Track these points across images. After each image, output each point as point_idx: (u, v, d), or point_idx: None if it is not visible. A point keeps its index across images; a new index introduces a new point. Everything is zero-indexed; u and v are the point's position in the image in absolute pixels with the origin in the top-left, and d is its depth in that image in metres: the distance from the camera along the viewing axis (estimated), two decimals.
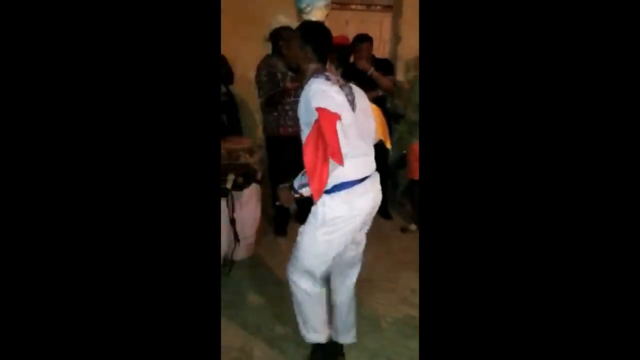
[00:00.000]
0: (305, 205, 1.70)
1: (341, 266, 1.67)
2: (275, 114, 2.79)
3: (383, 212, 3.21)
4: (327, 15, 1.63)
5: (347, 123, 1.36)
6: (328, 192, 1.41)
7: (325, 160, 1.28)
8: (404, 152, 3.17)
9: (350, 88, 1.49)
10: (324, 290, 1.63)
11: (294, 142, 1.79)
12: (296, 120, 1.52)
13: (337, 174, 1.36)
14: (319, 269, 1.54)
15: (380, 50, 3.90)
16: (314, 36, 1.48)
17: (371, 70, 2.86)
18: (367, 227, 1.64)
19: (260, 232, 2.75)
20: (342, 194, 1.41)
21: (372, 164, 1.53)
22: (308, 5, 1.58)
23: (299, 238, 1.53)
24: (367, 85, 2.27)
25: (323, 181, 1.30)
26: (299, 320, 1.68)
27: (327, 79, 1.42)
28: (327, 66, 1.53)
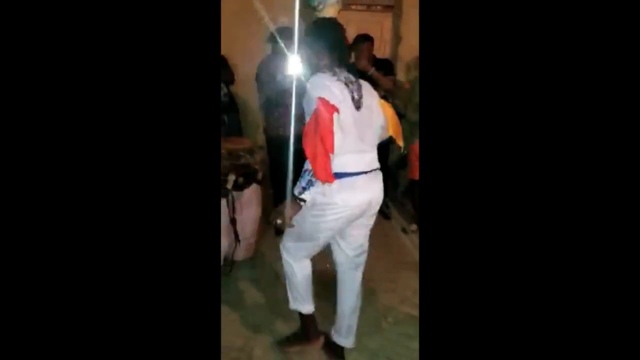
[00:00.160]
0: None
1: (345, 266, 1.68)
2: (276, 114, 2.79)
3: (383, 212, 3.21)
4: (338, 13, 1.64)
5: (345, 119, 1.37)
6: None
7: (324, 148, 1.31)
8: (405, 152, 3.18)
9: (360, 86, 1.50)
10: (309, 262, 1.70)
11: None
12: (297, 120, 1.53)
13: (332, 164, 1.38)
14: (307, 249, 1.62)
15: (381, 50, 3.90)
16: (327, 32, 1.50)
17: (372, 71, 2.86)
18: (366, 229, 1.64)
19: (261, 232, 2.75)
20: (335, 182, 1.42)
21: (372, 162, 1.53)
22: (320, 3, 1.59)
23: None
24: None
25: (327, 168, 1.33)
26: (288, 291, 1.74)
27: (334, 74, 1.43)
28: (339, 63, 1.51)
